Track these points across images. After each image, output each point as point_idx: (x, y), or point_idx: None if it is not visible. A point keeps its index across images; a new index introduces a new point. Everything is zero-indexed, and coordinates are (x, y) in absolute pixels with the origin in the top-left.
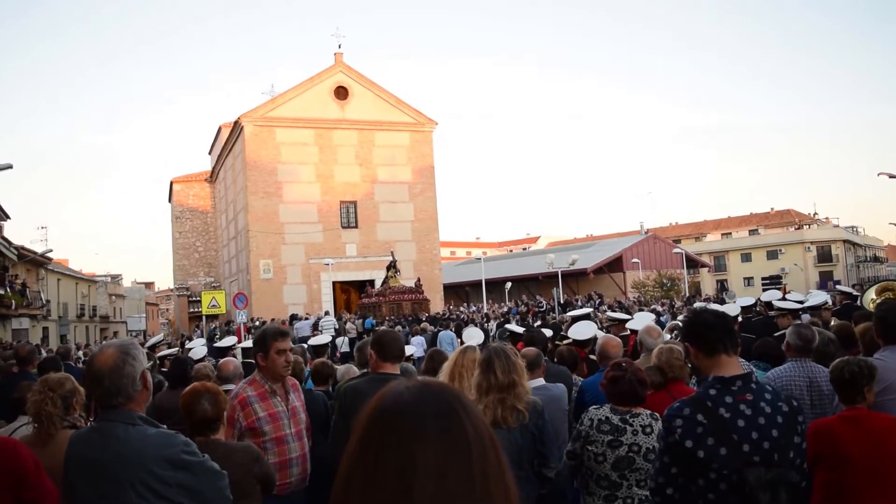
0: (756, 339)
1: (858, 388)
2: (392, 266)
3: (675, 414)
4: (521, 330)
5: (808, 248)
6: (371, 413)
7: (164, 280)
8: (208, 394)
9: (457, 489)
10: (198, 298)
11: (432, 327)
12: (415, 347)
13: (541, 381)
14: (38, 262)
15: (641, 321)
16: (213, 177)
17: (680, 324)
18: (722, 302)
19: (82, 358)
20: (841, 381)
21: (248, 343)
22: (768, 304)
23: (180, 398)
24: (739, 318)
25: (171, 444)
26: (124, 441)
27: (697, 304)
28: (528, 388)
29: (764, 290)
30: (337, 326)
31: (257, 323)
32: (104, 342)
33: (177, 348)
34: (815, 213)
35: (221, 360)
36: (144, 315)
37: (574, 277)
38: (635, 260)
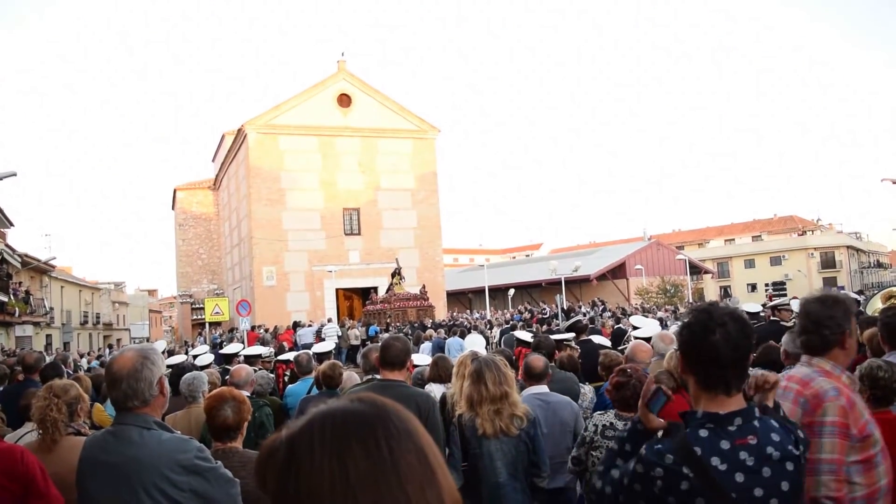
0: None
1: (894, 390)
2: (397, 273)
3: (654, 461)
4: (528, 337)
5: (812, 254)
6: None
7: (168, 287)
8: (233, 400)
9: None
10: (201, 306)
11: (436, 334)
12: (423, 355)
13: (544, 388)
14: (41, 269)
15: (650, 329)
16: (216, 184)
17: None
18: None
19: (86, 365)
20: (879, 383)
21: (253, 350)
22: (774, 308)
23: (204, 402)
24: None
25: (185, 449)
26: (139, 445)
27: (711, 305)
28: (518, 398)
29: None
30: (340, 333)
31: (262, 331)
32: (107, 349)
33: (185, 356)
34: (819, 219)
35: (234, 367)
36: (148, 322)
37: (577, 284)
38: (638, 266)
